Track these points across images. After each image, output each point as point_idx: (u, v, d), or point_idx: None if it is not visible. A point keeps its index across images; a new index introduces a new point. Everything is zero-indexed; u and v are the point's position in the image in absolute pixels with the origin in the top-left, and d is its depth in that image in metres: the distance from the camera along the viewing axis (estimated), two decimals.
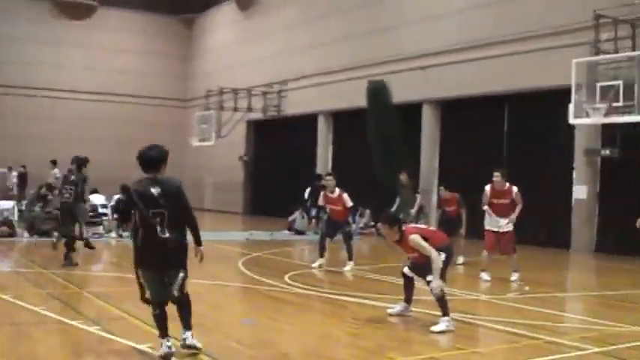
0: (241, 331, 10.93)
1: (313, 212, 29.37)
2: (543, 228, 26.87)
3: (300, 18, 40.49)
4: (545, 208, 26.87)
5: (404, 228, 11.56)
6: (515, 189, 17.02)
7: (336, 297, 14.14)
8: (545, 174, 27.11)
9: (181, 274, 9.02)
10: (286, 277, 16.12)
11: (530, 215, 27.49)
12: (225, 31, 49.93)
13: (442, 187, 21.37)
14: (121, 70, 50.64)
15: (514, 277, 16.83)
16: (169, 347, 8.83)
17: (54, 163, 32.39)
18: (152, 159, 9.11)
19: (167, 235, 8.85)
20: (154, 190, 8.90)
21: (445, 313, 10.97)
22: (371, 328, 11.25)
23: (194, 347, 9.13)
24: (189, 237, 9.11)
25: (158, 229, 8.83)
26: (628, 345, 10.21)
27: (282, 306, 13.25)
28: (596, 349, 9.90)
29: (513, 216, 16.97)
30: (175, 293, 9.02)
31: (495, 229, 17.08)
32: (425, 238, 11.34)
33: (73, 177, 18.60)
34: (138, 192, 8.96)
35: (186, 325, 9.18)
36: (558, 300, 14.97)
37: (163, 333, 8.97)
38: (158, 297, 9.03)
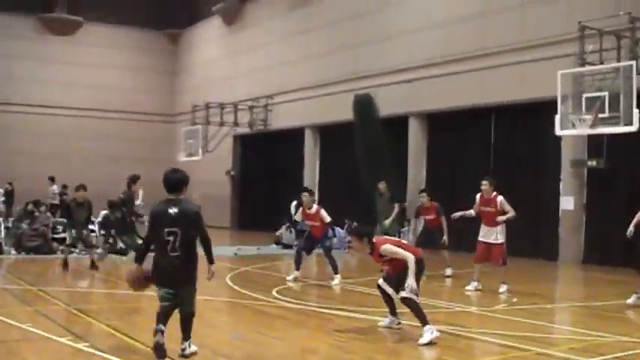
0: (229, 346, 10.89)
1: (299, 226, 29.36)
2: (531, 239, 26.92)
3: (285, 32, 40.52)
4: (532, 219, 26.92)
5: (374, 240, 11.58)
6: (500, 198, 17.10)
7: (324, 310, 14.13)
8: (532, 185, 27.18)
9: (191, 290, 9.79)
10: (274, 292, 16.09)
11: (517, 227, 27.72)
12: (211, 45, 49.93)
13: (424, 194, 21.02)
14: (107, 86, 50.47)
15: (502, 288, 16.84)
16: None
17: (52, 179, 32.37)
18: (175, 181, 9.82)
19: (177, 253, 9.49)
20: (172, 211, 9.53)
21: (424, 323, 10.97)
22: (358, 341, 11.23)
23: (193, 353, 9.67)
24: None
25: (169, 247, 9.45)
26: (615, 355, 10.24)
27: (270, 320, 13.24)
28: None
29: (503, 217, 17.09)
30: (188, 309, 9.82)
31: (486, 241, 17.06)
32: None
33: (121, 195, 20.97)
34: (158, 212, 9.66)
35: (187, 337, 9.81)
36: (546, 311, 15.00)
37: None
38: (166, 311, 9.61)
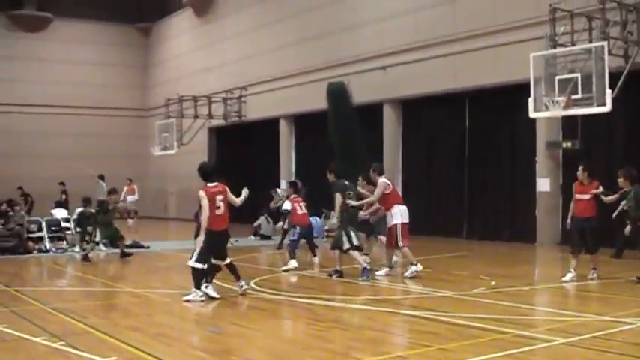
0: (207, 339, 10.83)
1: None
2: (508, 222, 27.01)
3: (257, 22, 40.36)
4: (509, 202, 27.05)
5: None
6: (382, 180, 17.54)
7: (302, 300, 14.09)
8: (508, 168, 27.27)
9: None
10: (252, 283, 16.02)
11: (494, 210, 27.84)
12: (182, 38, 49.70)
13: (360, 180, 20.77)
14: (79, 82, 50.02)
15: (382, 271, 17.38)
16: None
17: (102, 178, 32.75)
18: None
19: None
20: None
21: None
22: (337, 330, 11.21)
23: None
24: None
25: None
26: (593, 335, 10.24)
27: (248, 312, 13.18)
28: (562, 340, 9.92)
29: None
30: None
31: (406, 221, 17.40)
32: None
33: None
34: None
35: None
36: (524, 293, 15.00)
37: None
38: None
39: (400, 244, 17.07)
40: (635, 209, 16.29)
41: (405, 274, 16.93)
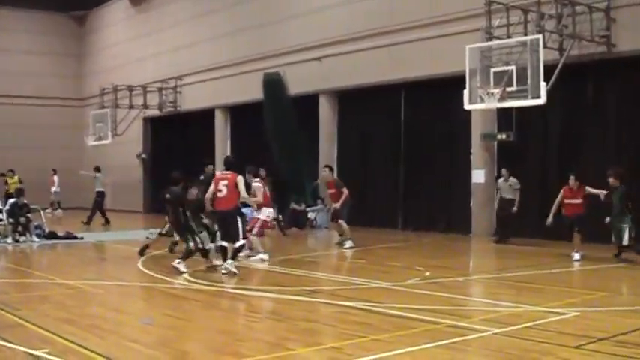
0: (140, 331, 10.67)
1: None
2: (444, 213, 27.16)
3: (193, 12, 40.08)
4: (444, 193, 27.19)
5: None
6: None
7: (237, 291, 14.02)
8: (445, 160, 27.42)
9: None
10: (186, 274, 15.89)
11: (430, 201, 27.98)
12: (118, 27, 49.06)
13: (325, 169, 22.15)
14: (12, 72, 48.92)
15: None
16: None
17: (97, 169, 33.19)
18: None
19: None
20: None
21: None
22: (271, 321, 11.17)
23: None
24: None
25: None
26: (526, 325, 10.31)
27: (182, 303, 13.05)
28: (496, 330, 9.98)
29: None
30: None
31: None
32: None
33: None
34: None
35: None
36: (459, 284, 15.07)
37: None
38: None
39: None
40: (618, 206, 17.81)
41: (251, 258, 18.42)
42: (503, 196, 23.14)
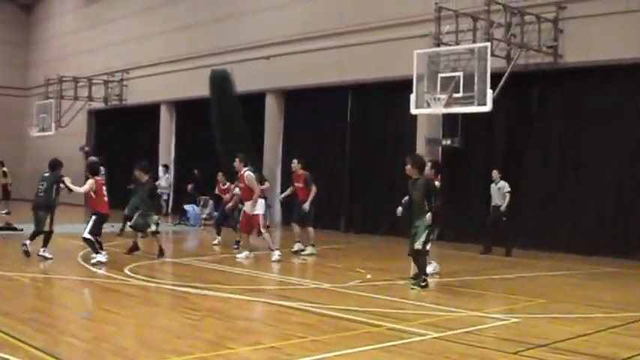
0: (78, 326, 10.52)
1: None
2: (386, 218, 27.17)
3: (142, 6, 39.72)
4: (388, 197, 27.18)
5: None
6: (247, 174, 19.12)
7: (177, 288, 13.90)
8: (390, 163, 27.38)
9: None
10: (126, 270, 15.73)
11: (374, 204, 28.02)
12: (66, 18, 48.39)
13: (296, 161, 20.97)
14: None
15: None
16: None
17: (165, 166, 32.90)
18: None
19: None
20: None
21: None
22: (211, 319, 11.05)
23: None
24: None
25: None
26: (465, 330, 10.35)
27: (121, 298, 12.88)
28: (435, 335, 9.98)
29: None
30: None
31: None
32: None
33: None
34: None
35: None
36: (400, 287, 15.06)
37: None
38: None
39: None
40: (424, 198, 15.97)
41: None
42: (494, 204, 21.58)
